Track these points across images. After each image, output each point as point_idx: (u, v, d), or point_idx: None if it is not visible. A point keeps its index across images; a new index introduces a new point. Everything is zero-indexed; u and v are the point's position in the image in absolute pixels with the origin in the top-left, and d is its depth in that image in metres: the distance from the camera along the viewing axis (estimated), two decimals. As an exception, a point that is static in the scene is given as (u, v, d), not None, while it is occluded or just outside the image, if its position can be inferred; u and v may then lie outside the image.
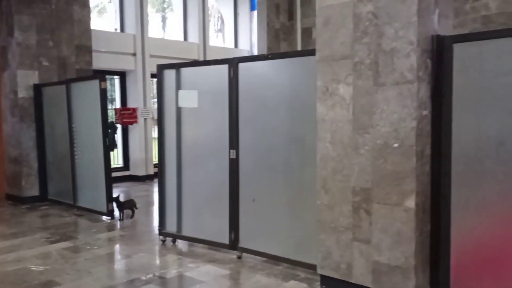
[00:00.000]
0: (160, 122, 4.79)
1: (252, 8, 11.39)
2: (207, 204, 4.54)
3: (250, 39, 11.72)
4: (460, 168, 3.06)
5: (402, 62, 2.99)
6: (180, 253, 4.56)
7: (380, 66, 3.09)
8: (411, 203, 3.03)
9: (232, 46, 11.83)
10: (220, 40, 12.60)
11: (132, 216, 6.07)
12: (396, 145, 3.06)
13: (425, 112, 3.05)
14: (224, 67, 4.22)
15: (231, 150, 4.23)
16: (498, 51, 2.91)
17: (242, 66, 4.15)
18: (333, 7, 3.30)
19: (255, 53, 11.19)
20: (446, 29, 3.17)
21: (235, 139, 4.21)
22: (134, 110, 9.39)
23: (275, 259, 4.06)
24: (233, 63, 4.18)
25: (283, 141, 3.93)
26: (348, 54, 3.25)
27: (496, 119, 2.93)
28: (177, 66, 4.64)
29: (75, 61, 7.79)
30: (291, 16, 10.33)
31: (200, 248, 4.61)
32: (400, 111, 3.03)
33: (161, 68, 4.74)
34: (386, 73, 3.07)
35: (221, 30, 13.14)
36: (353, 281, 3.35)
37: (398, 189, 3.07)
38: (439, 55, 3.06)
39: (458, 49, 3.02)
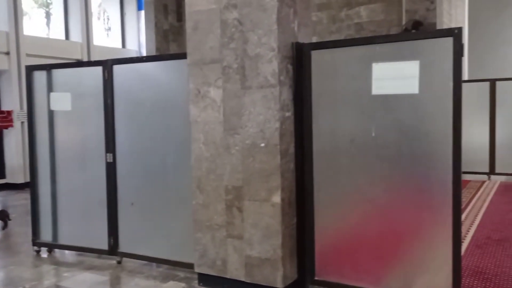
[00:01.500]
0: (30, 126, 4.53)
1: (139, 8, 11.17)
2: (84, 210, 4.40)
3: (138, 40, 11.48)
4: (320, 165, 3.35)
5: (266, 67, 3.18)
6: (55, 262, 4.36)
7: (247, 71, 3.26)
8: (277, 198, 3.24)
9: (120, 46, 11.49)
10: (110, 40, 12.15)
11: (4, 228, 5.64)
12: (262, 144, 3.25)
13: (288, 114, 3.28)
14: (98, 69, 4.13)
15: (108, 154, 4.15)
16: (349, 58, 3.24)
17: (117, 68, 4.09)
18: (202, 13, 3.41)
19: (144, 53, 10.99)
20: (306, 37, 3.44)
21: (111, 142, 4.14)
22: (9, 113, 8.71)
23: (155, 261, 4.07)
24: (107, 65, 4.10)
25: (160, 143, 3.95)
26: (217, 58, 3.37)
27: (348, 119, 3.25)
28: (48, 67, 4.42)
29: None
30: (180, 17, 10.31)
31: (77, 256, 4.45)
32: (265, 112, 3.22)
33: (30, 69, 4.49)
34: (252, 77, 3.25)
35: (110, 29, 12.68)
36: (228, 276, 3.48)
37: (266, 186, 3.27)
38: (299, 61, 3.31)
39: (316, 56, 3.31)
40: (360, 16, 8.78)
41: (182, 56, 3.64)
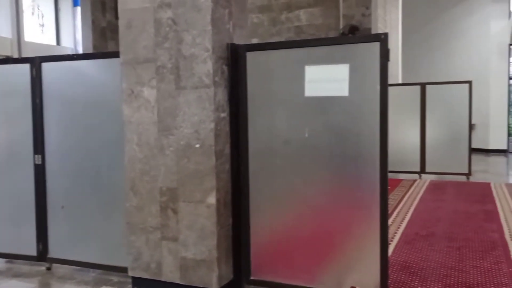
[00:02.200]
0: (-51, 126, 4.23)
1: (75, 4, 10.74)
2: (10, 215, 4.17)
3: (74, 37, 11.04)
4: (256, 165, 3.38)
5: (200, 68, 3.17)
6: (-21, 271, 4.11)
7: (181, 71, 3.23)
8: (212, 199, 3.23)
9: (54, 43, 11.00)
10: (45, 37, 11.58)
11: None
12: (197, 145, 3.23)
13: (223, 115, 3.29)
14: (26, 67, 3.93)
15: (36, 155, 3.96)
16: (283, 60, 3.29)
17: (46, 66, 3.92)
18: (135, 11, 3.34)
19: (80, 51, 10.59)
20: (241, 38, 3.46)
21: (40, 143, 3.95)
22: None
23: (87, 266, 3.93)
24: (36, 62, 3.91)
25: (92, 144, 3.82)
26: (151, 58, 3.31)
27: (283, 120, 3.31)
28: (-30, 64, 4.15)
29: None
30: (118, 14, 10.00)
31: (5, 264, 4.21)
32: (200, 113, 3.20)
33: (-50, 65, 4.19)
34: (186, 77, 3.22)
35: (44, 25, 12.09)
36: (163, 279, 3.43)
37: (201, 187, 3.25)
38: (234, 62, 3.33)
39: (251, 57, 3.33)
40: (300, 19, 8.96)
41: (115, 54, 3.54)
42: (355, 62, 3.07)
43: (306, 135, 3.23)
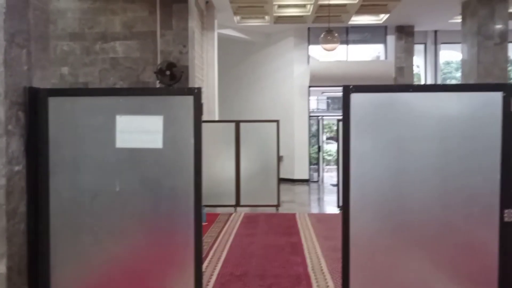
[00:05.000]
0: None
1: None
2: None
3: None
4: (59, 224, 3.01)
5: (-11, 114, 2.71)
6: None
7: (-37, 116, 2.71)
8: (2, 267, 2.74)
9: None
10: None
11: None
12: (-17, 205, 2.73)
13: (18, 168, 2.85)
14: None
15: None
16: (92, 108, 3.04)
17: None
18: None
19: None
20: (43, 81, 3.09)
21: None
22: None
23: None
24: None
25: None
26: None
27: (91, 173, 3.03)
28: None
29: None
30: None
31: None
32: (-13, 167, 2.72)
33: None
34: (-31, 124, 2.71)
35: None
36: None
37: (-13, 255, 2.73)
38: (33, 107, 2.94)
39: (54, 103, 3.00)
40: (116, 51, 8.62)
41: None
42: (169, 114, 3.01)
43: (117, 189, 3.02)
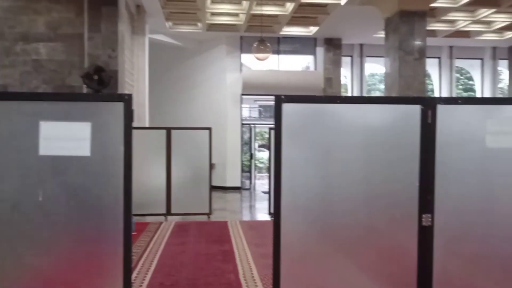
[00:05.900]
0: None
1: None
2: None
3: None
4: (-27, 236, 2.80)
5: None
6: None
7: None
8: None
9: None
10: None
11: None
12: None
13: None
14: None
15: None
16: (12, 113, 2.87)
17: None
18: None
19: None
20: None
21: None
22: None
23: None
24: None
25: None
26: None
27: (10, 181, 2.85)
28: None
29: None
30: None
31: None
32: None
33: None
34: None
35: None
36: None
37: None
38: None
39: (-30, 107, 2.79)
40: (39, 53, 8.20)
41: None
42: (98, 120, 2.91)
43: (40, 198, 2.86)
